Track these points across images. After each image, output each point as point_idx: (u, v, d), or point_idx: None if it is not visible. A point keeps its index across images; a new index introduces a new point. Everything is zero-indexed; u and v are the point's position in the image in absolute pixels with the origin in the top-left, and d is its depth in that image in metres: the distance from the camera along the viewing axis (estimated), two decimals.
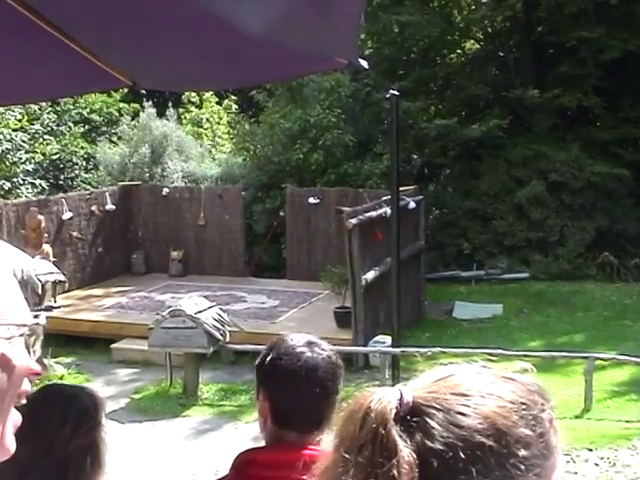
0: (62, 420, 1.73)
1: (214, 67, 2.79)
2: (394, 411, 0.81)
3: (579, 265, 14.70)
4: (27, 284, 9.06)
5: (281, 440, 1.85)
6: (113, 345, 10.51)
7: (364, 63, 2.15)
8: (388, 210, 9.88)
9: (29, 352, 0.98)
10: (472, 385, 0.83)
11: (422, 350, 8.52)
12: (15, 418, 0.98)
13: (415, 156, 16.90)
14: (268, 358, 1.90)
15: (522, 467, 0.80)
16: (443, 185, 17.17)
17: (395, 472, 0.77)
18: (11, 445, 0.97)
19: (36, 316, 0.99)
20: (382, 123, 16.18)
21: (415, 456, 0.78)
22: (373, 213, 10.28)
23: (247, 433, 7.76)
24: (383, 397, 0.82)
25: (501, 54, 17.45)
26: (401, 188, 9.57)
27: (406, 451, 0.78)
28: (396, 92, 9.00)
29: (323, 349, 1.91)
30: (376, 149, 16.09)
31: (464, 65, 17.96)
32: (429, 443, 0.78)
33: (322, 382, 1.84)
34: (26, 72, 3.46)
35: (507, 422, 0.81)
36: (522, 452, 0.80)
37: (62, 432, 1.72)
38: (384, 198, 10.64)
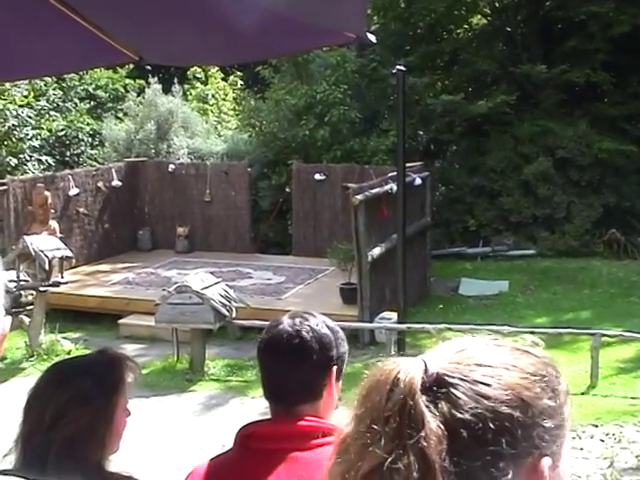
0: (42, 409, 1.75)
1: (221, 41, 2.78)
2: (420, 382, 0.81)
3: (586, 242, 14.66)
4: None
5: (274, 413, 1.87)
6: (120, 321, 10.56)
7: (372, 37, 2.14)
8: (394, 186, 9.86)
9: None
10: (492, 357, 0.84)
11: (428, 326, 8.52)
12: None
13: (421, 132, 16.81)
14: (261, 336, 1.93)
15: (547, 438, 0.82)
16: (449, 161, 17.10)
17: (424, 443, 0.77)
18: None
19: None
20: (388, 99, 16.11)
21: (443, 427, 0.78)
22: (379, 189, 10.26)
23: (254, 408, 7.81)
24: (409, 368, 0.82)
25: (508, 29, 17.29)
26: (407, 164, 9.55)
27: (434, 423, 0.78)
28: (402, 67, 8.95)
29: (313, 320, 1.90)
30: (382, 125, 16.02)
31: (471, 40, 17.81)
32: (457, 414, 0.78)
33: (304, 353, 1.84)
34: (33, 47, 3.45)
35: (531, 393, 0.82)
36: (547, 423, 0.82)
37: (42, 423, 1.74)
38: (390, 174, 10.61)
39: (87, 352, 1.96)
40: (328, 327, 1.93)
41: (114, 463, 1.88)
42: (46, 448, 1.67)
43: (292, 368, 1.84)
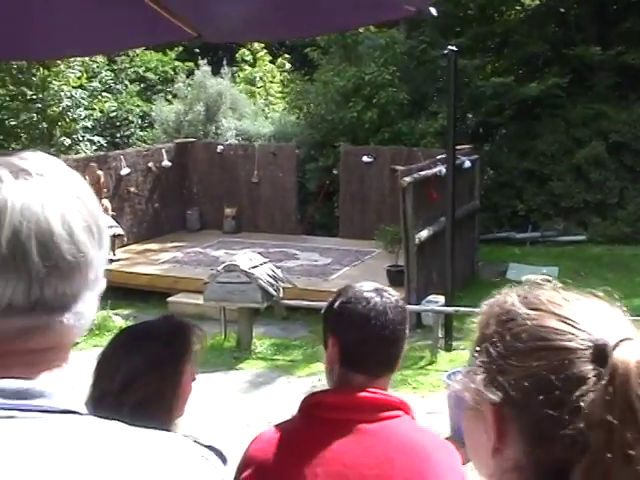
0: (112, 374, 1.79)
1: (279, 16, 2.79)
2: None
3: (639, 229, 14.39)
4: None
5: (349, 384, 1.88)
6: (169, 299, 10.70)
7: (433, 11, 2.12)
8: (443, 169, 9.79)
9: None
10: None
11: (476, 310, 8.44)
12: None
13: (470, 115, 16.63)
14: (337, 303, 1.94)
15: None
16: (498, 145, 16.89)
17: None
18: None
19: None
20: (437, 81, 15.97)
21: None
22: (428, 172, 10.19)
23: (300, 387, 7.87)
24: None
25: (562, 10, 16.96)
26: (456, 147, 9.47)
27: None
28: (454, 48, 8.87)
29: (391, 294, 1.94)
30: (431, 108, 15.89)
31: (523, 22, 17.51)
32: None
33: (391, 326, 1.87)
34: (92, 24, 3.50)
35: None
36: None
37: (112, 386, 1.78)
38: (439, 157, 10.54)
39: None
40: (401, 302, 1.97)
41: (180, 427, 1.92)
42: (117, 411, 1.72)
43: (377, 339, 1.87)
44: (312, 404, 1.92)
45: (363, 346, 1.88)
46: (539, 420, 0.91)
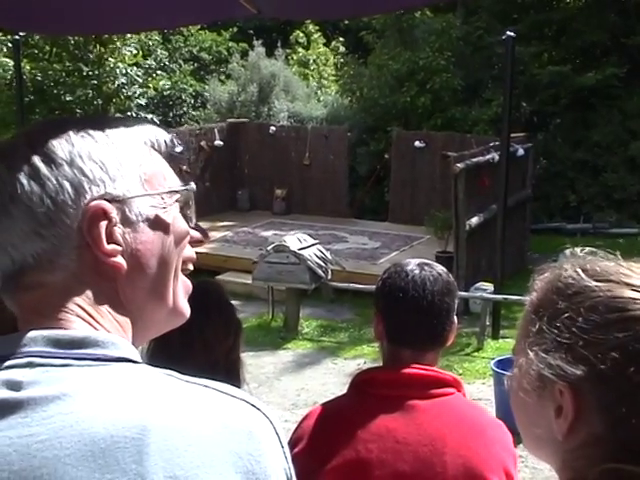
0: (224, 334, 1.84)
1: None
2: None
3: None
4: None
5: (397, 359, 1.89)
6: (217, 277, 10.80)
7: None
8: (496, 156, 9.70)
9: (187, 221, 1.05)
10: None
11: (525, 299, 8.37)
12: (186, 284, 1.04)
13: (524, 104, 16.39)
14: (381, 280, 1.96)
15: None
16: (552, 134, 16.61)
17: None
18: (186, 310, 1.03)
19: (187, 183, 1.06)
20: (492, 68, 15.77)
21: None
22: (480, 158, 10.10)
23: (345, 369, 7.92)
24: None
25: None
26: (511, 135, 9.36)
27: None
28: (512, 34, 8.75)
29: (434, 267, 1.94)
30: (485, 95, 15.70)
31: (582, 10, 17.15)
32: None
33: (430, 296, 1.87)
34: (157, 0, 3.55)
35: None
36: None
37: (226, 343, 1.83)
38: (492, 144, 10.44)
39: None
40: (450, 275, 1.97)
41: None
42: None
43: (424, 315, 1.87)
44: (364, 380, 1.93)
45: (403, 318, 1.89)
46: (628, 392, 0.91)
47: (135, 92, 15.29)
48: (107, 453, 0.80)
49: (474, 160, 9.94)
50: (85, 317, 0.91)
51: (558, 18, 16.54)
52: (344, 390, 2.03)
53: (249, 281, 9.46)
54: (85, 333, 0.89)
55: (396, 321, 1.91)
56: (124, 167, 0.95)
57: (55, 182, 0.91)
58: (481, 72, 16.00)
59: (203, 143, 13.84)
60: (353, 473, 1.79)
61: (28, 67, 13.91)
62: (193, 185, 1.04)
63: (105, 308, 0.93)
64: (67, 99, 14.68)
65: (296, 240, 9.14)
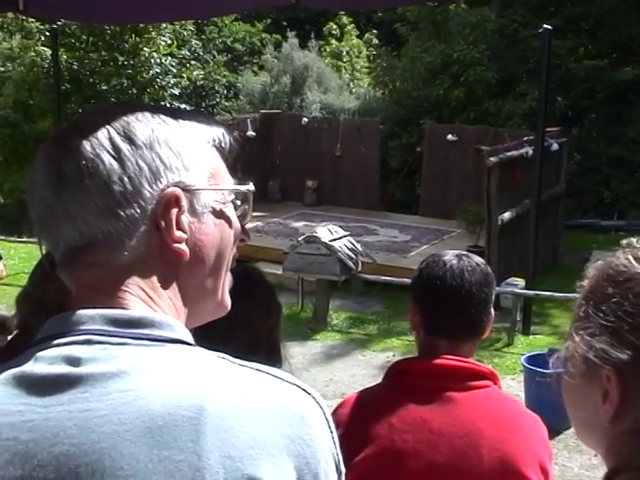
0: (267, 313, 1.86)
1: None
2: None
3: None
4: None
5: (433, 349, 1.88)
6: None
7: None
8: (530, 150, 9.61)
9: (243, 220, 1.07)
10: None
11: (557, 295, 8.32)
12: (230, 279, 1.06)
13: (559, 98, 16.23)
14: (418, 270, 1.95)
15: None
16: (587, 129, 16.44)
17: None
18: (229, 303, 1.06)
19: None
20: (527, 62, 15.62)
21: None
22: (514, 152, 10.01)
23: (374, 361, 7.93)
24: None
25: None
26: (546, 129, 9.28)
27: None
28: (549, 27, 8.66)
29: (471, 258, 1.93)
30: (519, 88, 15.57)
31: (620, 4, 16.87)
32: None
33: (467, 285, 1.86)
34: None
35: None
36: None
37: (268, 323, 1.85)
38: (525, 138, 10.35)
39: None
40: (484, 265, 1.96)
41: None
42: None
43: (461, 304, 1.86)
44: (400, 371, 1.93)
45: (440, 308, 1.88)
46: None
47: (169, 82, 15.38)
48: (165, 431, 0.81)
49: (507, 154, 9.86)
50: (145, 299, 0.93)
51: (595, 12, 16.32)
52: (372, 382, 2.03)
53: (279, 272, 9.46)
54: (142, 313, 0.91)
55: (433, 310, 1.90)
56: (196, 159, 0.97)
57: (135, 163, 0.92)
58: (516, 66, 15.86)
59: (236, 134, 13.74)
60: (388, 462, 1.79)
61: (65, 56, 14.06)
62: (252, 186, 1.07)
63: (165, 292, 0.95)
64: (102, 88, 14.81)
65: (327, 231, 9.15)
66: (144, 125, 0.95)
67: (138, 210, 0.92)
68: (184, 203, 0.94)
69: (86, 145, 0.92)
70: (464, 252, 1.99)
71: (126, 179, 0.91)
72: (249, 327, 1.85)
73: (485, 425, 1.78)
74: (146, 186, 0.92)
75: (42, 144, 0.99)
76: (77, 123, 0.98)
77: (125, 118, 0.94)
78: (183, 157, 0.96)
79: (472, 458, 1.75)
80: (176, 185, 0.94)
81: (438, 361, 1.85)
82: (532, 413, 1.94)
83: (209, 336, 1.78)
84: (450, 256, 1.92)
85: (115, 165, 0.91)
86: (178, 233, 0.94)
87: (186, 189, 0.95)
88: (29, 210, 0.98)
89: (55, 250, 0.96)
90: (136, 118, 0.95)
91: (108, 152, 0.92)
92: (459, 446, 1.76)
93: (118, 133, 0.93)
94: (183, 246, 0.94)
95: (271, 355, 1.81)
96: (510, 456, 1.74)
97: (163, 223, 0.93)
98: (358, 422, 1.86)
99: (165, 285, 0.95)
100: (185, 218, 0.95)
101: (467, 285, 1.86)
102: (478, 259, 1.95)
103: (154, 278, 0.94)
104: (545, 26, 8.58)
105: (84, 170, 0.91)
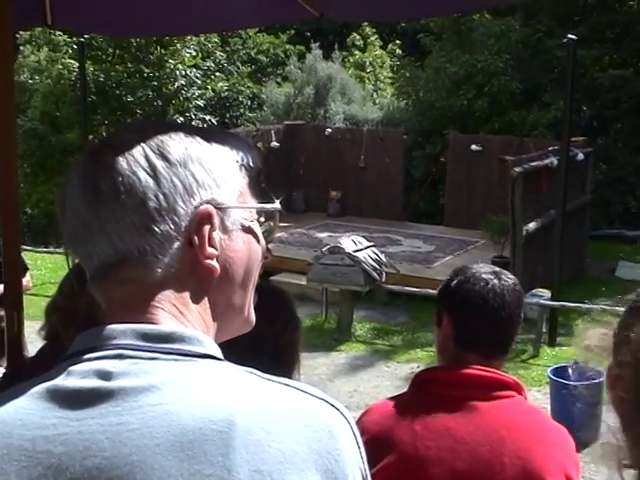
0: (274, 316, 1.85)
1: None
2: None
3: None
4: None
5: (462, 362, 1.89)
6: (272, 278, 10.87)
7: None
8: (555, 160, 9.56)
9: (269, 236, 1.08)
10: None
11: (584, 306, 8.25)
12: (254, 296, 1.07)
13: (585, 108, 16.12)
14: (454, 282, 1.94)
15: None
16: (613, 139, 16.28)
17: None
18: (253, 320, 1.07)
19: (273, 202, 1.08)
20: (552, 71, 15.53)
21: None
22: (539, 163, 9.96)
23: (398, 372, 7.90)
24: None
25: None
26: (571, 139, 9.22)
27: None
28: (574, 37, 8.63)
29: (509, 277, 1.94)
30: (544, 98, 15.49)
31: None
32: None
33: (507, 308, 1.88)
34: (220, 2, 3.58)
35: None
36: None
37: (273, 328, 1.85)
38: (550, 148, 10.29)
39: None
40: (518, 285, 1.96)
41: None
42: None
43: (494, 320, 1.89)
44: (425, 379, 1.94)
45: (479, 326, 1.90)
46: None
47: (194, 93, 15.51)
48: (195, 445, 0.82)
49: (532, 164, 9.82)
50: (176, 314, 0.94)
51: (621, 21, 16.21)
52: (397, 393, 2.04)
53: (303, 282, 9.48)
54: (172, 329, 0.91)
55: (470, 327, 1.91)
56: (227, 177, 0.99)
57: (170, 180, 0.94)
58: (540, 75, 15.78)
59: (260, 144, 13.94)
60: (410, 469, 1.80)
61: (91, 69, 14.23)
62: (279, 205, 1.07)
63: (195, 308, 0.96)
64: (128, 100, 14.96)
65: (351, 242, 9.14)
66: (178, 143, 0.96)
67: (172, 226, 0.93)
68: (216, 220, 0.96)
69: (122, 162, 0.93)
70: (497, 269, 2.00)
71: (161, 196, 0.93)
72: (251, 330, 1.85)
73: (508, 434, 1.78)
74: (180, 203, 0.94)
75: (74, 160, 1.00)
76: (112, 140, 0.99)
77: (159, 136, 0.96)
78: (215, 175, 0.97)
79: (495, 466, 1.74)
80: (209, 202, 0.95)
81: (463, 371, 1.86)
82: (558, 424, 1.93)
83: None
84: (489, 274, 1.93)
85: (151, 182, 0.93)
86: (210, 250, 0.95)
87: (218, 206, 0.96)
88: (60, 224, 0.98)
89: (88, 265, 0.96)
90: (170, 136, 0.96)
91: (144, 169, 0.93)
92: (482, 454, 1.76)
93: (153, 151, 0.94)
94: (214, 262, 0.96)
95: (279, 364, 1.80)
96: (533, 465, 1.73)
97: (196, 239, 0.94)
98: (382, 430, 1.87)
99: (196, 301, 0.96)
100: (216, 235, 0.96)
101: (507, 308, 1.89)
102: (512, 278, 1.97)
103: (185, 294, 0.95)
104: (570, 36, 8.56)
105: (120, 187, 0.92)
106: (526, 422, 1.83)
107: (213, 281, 0.96)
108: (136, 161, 0.93)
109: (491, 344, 1.91)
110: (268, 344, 1.81)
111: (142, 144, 0.95)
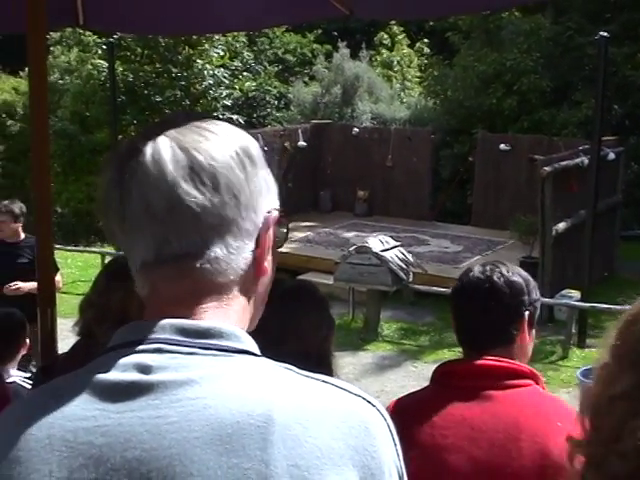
0: (320, 323, 1.87)
1: None
2: None
3: None
4: None
5: (471, 356, 1.94)
6: (299, 277, 10.87)
7: None
8: (585, 160, 9.47)
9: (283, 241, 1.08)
10: None
11: (614, 308, 8.14)
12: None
13: (616, 106, 15.92)
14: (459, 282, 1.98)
15: None
16: None
17: None
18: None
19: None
20: (583, 69, 15.36)
21: None
22: (569, 162, 9.86)
23: (425, 372, 7.82)
24: None
25: None
26: (602, 138, 9.11)
27: None
28: (605, 34, 8.53)
29: (499, 269, 1.95)
30: (574, 97, 15.32)
31: None
32: None
33: (493, 296, 1.89)
34: (249, 1, 3.59)
35: None
36: None
37: (319, 334, 1.87)
38: (581, 148, 10.19)
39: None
40: (520, 275, 1.96)
41: None
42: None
43: (483, 312, 1.91)
44: (442, 373, 1.98)
45: (468, 321, 1.94)
46: None
47: (221, 93, 15.57)
48: (234, 438, 0.83)
49: (562, 164, 9.72)
50: (223, 313, 0.95)
51: None
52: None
53: (330, 282, 9.47)
54: (210, 324, 0.92)
55: (462, 323, 1.99)
56: (273, 185, 1.03)
57: (252, 180, 0.96)
58: (571, 73, 15.61)
59: (287, 144, 13.97)
60: (428, 457, 1.82)
61: (120, 69, 14.34)
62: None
63: (242, 306, 0.98)
64: (156, 100, 15.06)
65: (378, 242, 9.12)
66: (254, 143, 1.00)
67: (247, 234, 0.96)
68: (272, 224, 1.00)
69: (217, 153, 0.96)
70: (500, 262, 2.01)
71: (249, 193, 0.96)
72: (299, 339, 1.87)
73: (524, 420, 1.80)
74: (260, 204, 0.98)
75: (139, 144, 1.00)
76: (197, 132, 0.99)
77: (238, 133, 1.00)
78: (270, 185, 1.02)
79: (512, 452, 1.76)
80: (272, 209, 1.00)
81: (478, 362, 1.89)
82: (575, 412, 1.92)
83: (260, 346, 1.79)
84: (485, 267, 1.98)
85: (242, 177, 0.96)
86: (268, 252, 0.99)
87: (273, 211, 1.00)
88: (107, 214, 0.97)
89: (147, 253, 0.94)
90: (247, 136, 1.00)
91: (237, 164, 0.95)
92: (498, 441, 1.79)
93: (240, 147, 0.97)
94: (268, 264, 1.00)
95: (321, 367, 1.81)
96: (551, 448, 1.74)
97: (266, 242, 0.98)
98: (403, 423, 1.87)
99: (245, 299, 0.99)
100: (271, 237, 1.00)
101: (498, 297, 1.90)
102: (511, 268, 1.96)
103: (240, 294, 0.97)
104: (601, 33, 8.46)
105: (219, 178, 0.95)
106: (541, 408, 1.85)
107: (265, 281, 1.01)
108: (230, 156, 0.95)
109: (485, 336, 1.92)
110: (314, 350, 1.83)
111: (228, 138, 0.97)
